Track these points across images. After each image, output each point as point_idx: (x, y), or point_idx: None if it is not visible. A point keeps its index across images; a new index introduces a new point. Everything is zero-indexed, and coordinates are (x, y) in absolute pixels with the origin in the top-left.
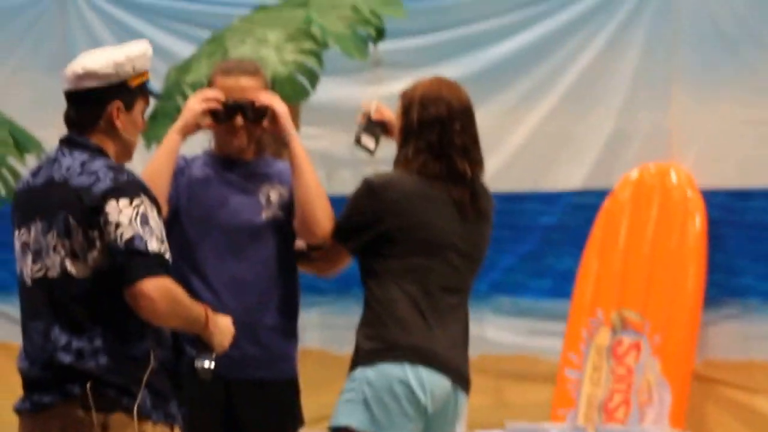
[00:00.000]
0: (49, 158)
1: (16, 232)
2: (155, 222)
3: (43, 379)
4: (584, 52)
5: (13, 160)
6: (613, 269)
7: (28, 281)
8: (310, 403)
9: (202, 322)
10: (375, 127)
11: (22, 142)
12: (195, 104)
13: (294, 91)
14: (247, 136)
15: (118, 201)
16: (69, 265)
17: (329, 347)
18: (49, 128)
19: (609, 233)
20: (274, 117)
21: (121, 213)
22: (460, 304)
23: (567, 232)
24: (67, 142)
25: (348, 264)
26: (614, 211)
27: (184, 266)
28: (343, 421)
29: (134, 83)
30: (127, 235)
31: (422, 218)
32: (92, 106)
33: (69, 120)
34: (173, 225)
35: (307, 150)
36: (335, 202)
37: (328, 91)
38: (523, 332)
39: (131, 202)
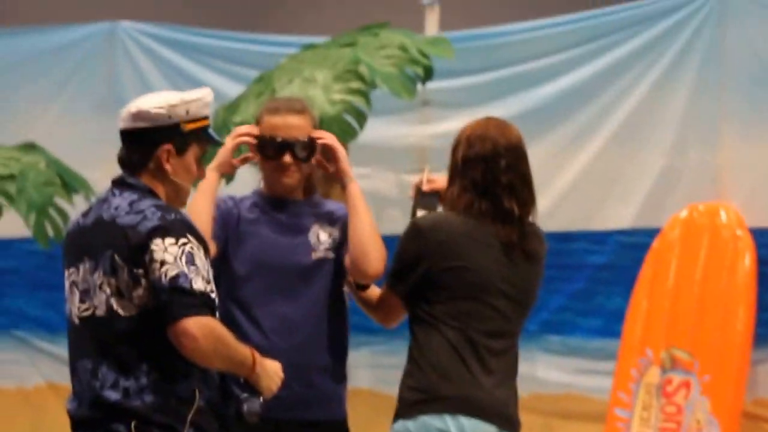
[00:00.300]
0: (99, 198)
1: (66, 272)
2: (201, 262)
3: (91, 419)
4: (633, 91)
5: (60, 200)
6: (662, 308)
7: (76, 320)
8: None
9: (249, 365)
10: (429, 198)
11: (69, 182)
12: (228, 141)
13: (342, 131)
14: (296, 175)
15: (164, 239)
16: (115, 304)
17: (379, 387)
18: (96, 168)
19: (658, 272)
20: (335, 157)
21: (167, 251)
22: (506, 348)
23: (616, 271)
24: (118, 183)
25: (405, 314)
26: (663, 251)
27: (232, 307)
28: None
29: (187, 127)
30: (171, 274)
31: (467, 261)
32: (143, 147)
33: (122, 160)
34: (222, 265)
35: None
36: (384, 241)
37: (376, 130)
38: (572, 371)
39: (177, 241)
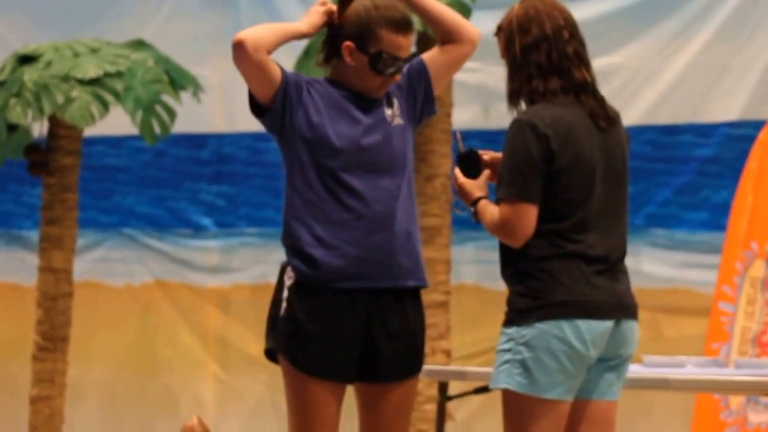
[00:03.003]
0: None
1: None
2: None
3: None
4: None
5: (168, 98)
6: None
7: None
8: (464, 338)
9: None
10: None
11: (177, 80)
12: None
13: None
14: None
15: None
16: None
17: (484, 282)
18: (206, 65)
19: (765, 165)
20: None
21: None
22: (618, 237)
23: (723, 163)
24: None
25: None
26: None
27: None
28: (502, 383)
29: None
30: None
31: (580, 151)
32: None
33: None
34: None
35: (463, 84)
36: (493, 135)
37: (484, 24)
38: (678, 265)
39: None
